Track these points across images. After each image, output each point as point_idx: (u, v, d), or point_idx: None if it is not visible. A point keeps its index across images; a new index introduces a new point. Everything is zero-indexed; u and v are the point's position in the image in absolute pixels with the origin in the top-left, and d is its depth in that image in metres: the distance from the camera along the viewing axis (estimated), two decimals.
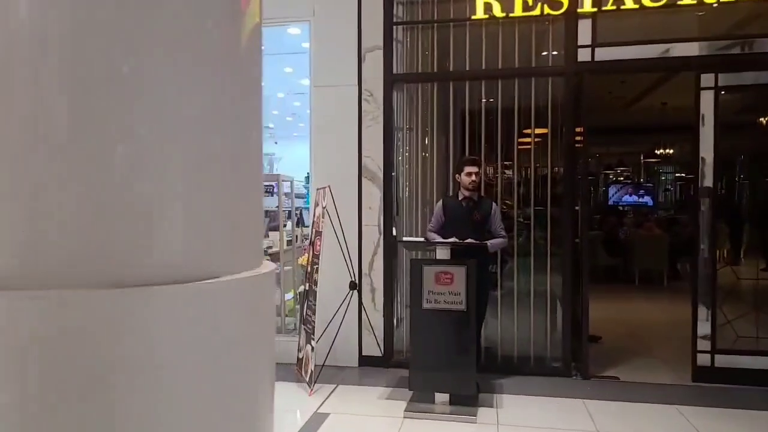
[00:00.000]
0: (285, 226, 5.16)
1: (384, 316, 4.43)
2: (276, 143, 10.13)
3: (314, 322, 3.90)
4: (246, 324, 1.18)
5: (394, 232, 4.58)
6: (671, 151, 12.24)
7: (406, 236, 4.63)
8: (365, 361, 4.41)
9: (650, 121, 10.56)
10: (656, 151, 12.14)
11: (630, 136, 12.19)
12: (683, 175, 16.97)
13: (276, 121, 9.77)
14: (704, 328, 4.09)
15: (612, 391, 3.90)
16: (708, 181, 4.11)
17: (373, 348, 4.40)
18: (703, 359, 4.08)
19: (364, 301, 4.43)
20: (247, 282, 1.19)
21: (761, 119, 5.71)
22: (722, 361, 4.05)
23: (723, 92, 4.09)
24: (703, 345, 4.09)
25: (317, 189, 4.27)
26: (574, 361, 4.27)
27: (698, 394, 3.83)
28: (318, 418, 3.31)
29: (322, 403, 3.57)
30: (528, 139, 4.49)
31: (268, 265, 1.37)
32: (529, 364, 4.30)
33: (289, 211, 5.25)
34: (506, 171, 4.73)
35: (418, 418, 3.34)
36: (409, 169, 4.76)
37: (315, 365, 3.91)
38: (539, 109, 4.32)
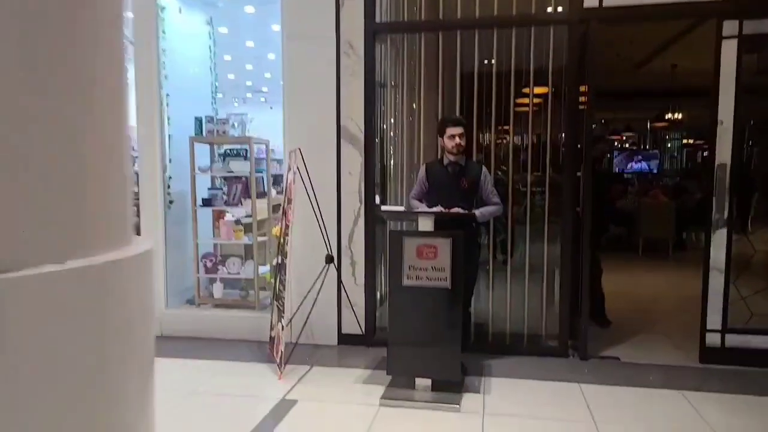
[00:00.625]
0: (266, 193, 4.78)
1: (365, 291, 4.07)
2: (271, 108, 9.61)
3: (284, 298, 3.55)
4: (55, 336, 0.80)
5: (377, 200, 4.19)
6: (680, 116, 11.66)
7: (391, 205, 4.24)
8: (345, 339, 4.08)
9: (660, 85, 9.99)
10: (666, 116, 11.56)
11: (638, 101, 11.61)
12: (691, 141, 16.39)
13: (269, 85, 9.23)
14: (715, 304, 3.73)
15: (611, 373, 3.57)
16: (726, 146, 3.69)
17: (354, 325, 4.06)
18: (713, 339, 3.74)
19: (344, 275, 4.08)
20: (60, 277, 0.79)
21: None
22: (733, 341, 3.71)
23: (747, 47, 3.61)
24: (714, 323, 3.74)
25: (289, 152, 3.85)
26: (572, 339, 3.93)
27: (706, 377, 3.50)
28: (284, 406, 2.99)
29: (291, 388, 3.24)
30: (526, 100, 4.04)
31: (130, 249, 0.98)
32: (523, 344, 3.97)
33: (270, 177, 4.85)
34: (504, 136, 4.30)
35: (396, 406, 3.02)
36: (394, 130, 4.32)
37: (286, 345, 3.58)
38: (540, 66, 3.85)
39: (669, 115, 11.49)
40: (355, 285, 4.08)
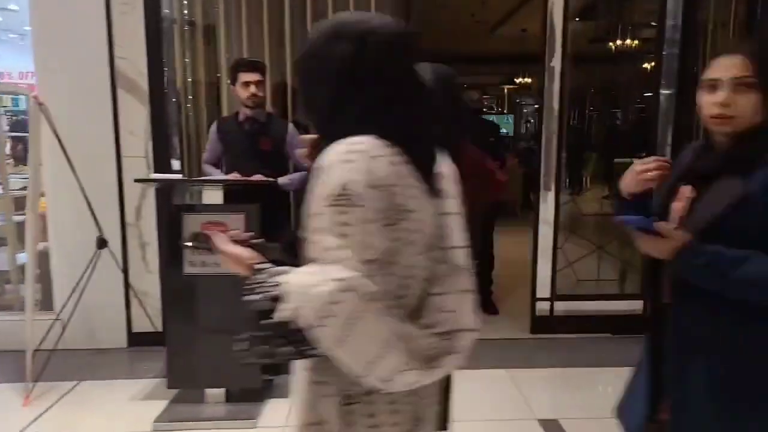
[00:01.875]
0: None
1: (161, 279, 3.31)
2: None
3: (36, 292, 2.68)
4: None
5: (177, 167, 3.40)
6: (529, 81, 12.06)
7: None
8: (137, 340, 3.30)
9: (512, 50, 10.14)
10: (515, 80, 11.89)
11: (492, 66, 11.79)
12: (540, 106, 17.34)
13: None
14: (544, 272, 3.58)
15: None
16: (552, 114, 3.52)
17: (148, 322, 3.30)
18: (543, 307, 3.60)
19: (131, 259, 3.27)
20: None
21: (611, 45, 5.32)
22: (562, 308, 3.60)
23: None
24: (543, 291, 3.60)
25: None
26: None
27: (535, 350, 3.36)
28: None
29: (38, 416, 2.43)
30: None
31: None
32: None
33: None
34: None
35: (174, 429, 2.38)
36: (192, 79, 3.51)
37: (52, 353, 2.75)
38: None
39: (519, 80, 11.83)
40: (147, 272, 3.29)
